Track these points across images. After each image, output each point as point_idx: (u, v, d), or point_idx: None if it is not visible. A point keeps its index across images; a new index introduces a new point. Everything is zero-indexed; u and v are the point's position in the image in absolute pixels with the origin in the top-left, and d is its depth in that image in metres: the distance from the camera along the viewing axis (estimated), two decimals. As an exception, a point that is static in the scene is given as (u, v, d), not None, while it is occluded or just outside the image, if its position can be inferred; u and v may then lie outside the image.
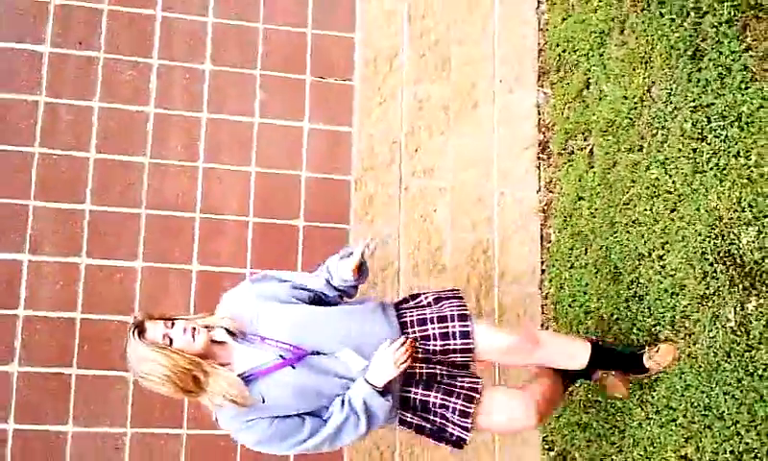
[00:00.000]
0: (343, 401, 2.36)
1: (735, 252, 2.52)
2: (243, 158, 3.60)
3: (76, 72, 3.50)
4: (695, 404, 2.66)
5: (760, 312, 2.40)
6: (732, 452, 2.49)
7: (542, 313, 3.71)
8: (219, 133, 3.60)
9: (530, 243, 3.78)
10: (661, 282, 2.88)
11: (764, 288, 2.39)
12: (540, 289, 3.74)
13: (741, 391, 2.46)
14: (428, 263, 3.68)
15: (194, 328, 2.30)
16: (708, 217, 2.67)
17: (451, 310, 2.54)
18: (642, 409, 2.93)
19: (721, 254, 2.59)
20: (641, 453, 2.92)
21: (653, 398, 2.87)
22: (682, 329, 2.76)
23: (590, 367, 2.74)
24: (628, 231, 3.11)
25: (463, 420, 2.46)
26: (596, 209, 3.36)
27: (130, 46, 3.58)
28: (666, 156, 2.94)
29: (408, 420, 2.54)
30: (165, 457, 3.31)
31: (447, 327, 2.50)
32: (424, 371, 2.51)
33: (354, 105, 3.76)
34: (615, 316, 3.14)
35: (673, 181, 2.89)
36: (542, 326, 3.67)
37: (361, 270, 2.47)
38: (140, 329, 2.28)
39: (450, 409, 2.47)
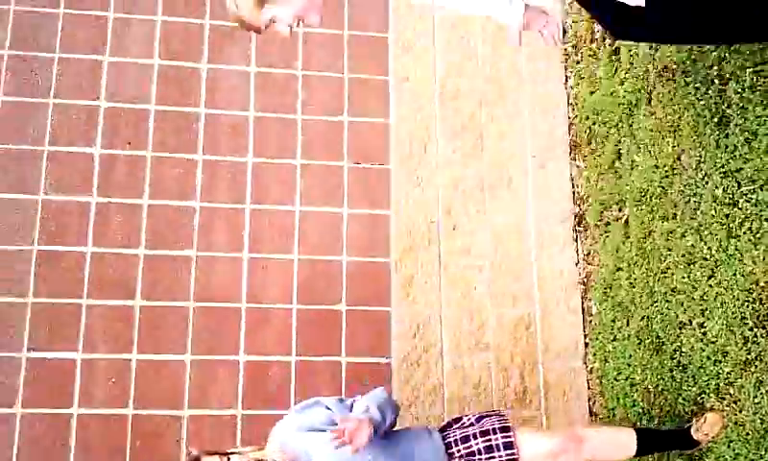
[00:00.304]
0: None
1: (775, 316, 2.52)
2: (286, 247, 3.70)
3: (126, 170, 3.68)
4: (745, 474, 2.62)
5: (804, 376, 2.38)
6: (784, 522, 2.44)
7: (588, 388, 3.68)
8: (262, 223, 3.73)
9: (572, 317, 3.78)
10: (704, 350, 2.86)
11: (806, 351, 2.37)
12: (585, 364, 3.72)
13: (791, 459, 2.42)
14: (470, 341, 3.70)
15: None
16: (745, 281, 2.67)
17: (492, 425, 2.65)
18: (694, 482, 2.89)
19: (760, 318, 2.58)
20: (693, 526, 2.87)
21: (704, 470, 2.83)
22: (727, 397, 2.73)
23: (641, 453, 2.78)
24: (667, 300, 3.11)
25: None
26: (635, 279, 3.36)
27: (176, 144, 3.76)
28: (700, 222, 2.96)
29: None
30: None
31: (491, 440, 2.61)
32: None
33: (391, 188, 3.86)
34: (661, 387, 3.11)
35: (708, 248, 2.90)
36: (589, 400, 3.65)
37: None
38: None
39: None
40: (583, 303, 3.80)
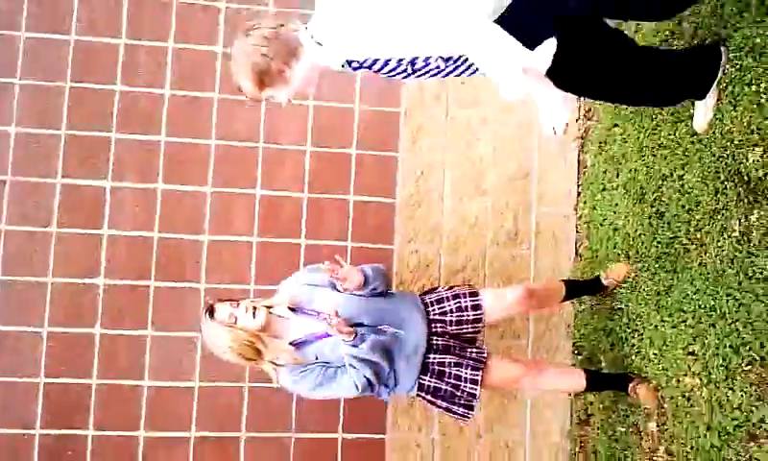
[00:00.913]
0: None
1: (743, 170, 2.75)
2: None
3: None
4: (702, 306, 2.94)
5: (761, 223, 2.64)
6: (730, 347, 2.77)
7: (576, 232, 4.00)
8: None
9: (568, 168, 4.05)
10: (680, 200, 3.13)
11: (765, 202, 2.63)
12: (576, 211, 4.02)
13: (741, 292, 2.72)
14: (470, 186, 3.98)
15: (255, 307, 2.91)
16: (723, 139, 2.89)
17: (462, 291, 3.22)
18: (658, 313, 3.22)
19: (731, 172, 2.82)
20: (656, 352, 3.22)
21: (667, 303, 3.16)
22: (694, 241, 3.02)
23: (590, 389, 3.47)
24: (653, 155, 3.35)
25: (472, 387, 3.09)
26: (628, 135, 3.59)
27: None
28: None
29: (426, 383, 3.10)
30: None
31: (460, 302, 3.17)
32: (440, 342, 3.13)
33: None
34: (639, 232, 3.41)
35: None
36: (576, 243, 3.99)
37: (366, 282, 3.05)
38: (211, 312, 2.90)
39: (462, 379, 3.09)
40: (579, 155, 4.06)
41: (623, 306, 3.51)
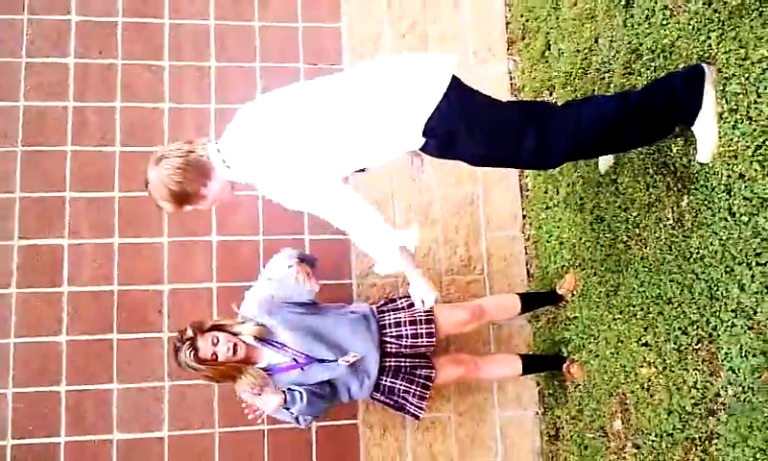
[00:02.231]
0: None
1: (669, 161, 2.94)
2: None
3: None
4: (649, 297, 3.07)
5: (691, 206, 2.81)
6: (680, 329, 2.90)
7: (525, 253, 4.15)
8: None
9: (510, 193, 4.22)
10: (616, 201, 3.30)
11: (692, 186, 2.80)
12: (523, 232, 4.18)
13: (682, 275, 2.87)
14: (420, 217, 4.11)
15: (235, 345, 3.07)
16: (649, 138, 3.09)
17: (420, 315, 3.41)
18: (609, 312, 3.36)
19: (659, 166, 3.01)
20: (612, 351, 3.34)
21: (617, 301, 3.30)
22: (634, 236, 3.18)
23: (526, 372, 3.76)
24: (587, 164, 3.54)
25: (419, 402, 3.42)
26: (564, 153, 3.78)
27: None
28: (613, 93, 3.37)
29: (378, 398, 3.43)
30: (198, 402, 3.78)
31: (416, 329, 3.40)
32: (392, 363, 3.38)
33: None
34: (583, 239, 3.57)
35: (619, 114, 3.31)
36: (527, 264, 4.13)
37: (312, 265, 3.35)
38: (193, 346, 3.02)
39: (411, 394, 3.40)
40: (520, 180, 4.24)
41: (577, 314, 3.64)
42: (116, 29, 4.06)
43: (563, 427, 3.84)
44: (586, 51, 3.61)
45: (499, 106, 2.70)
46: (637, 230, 3.16)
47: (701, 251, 2.76)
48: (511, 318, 3.83)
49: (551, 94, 3.95)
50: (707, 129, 2.64)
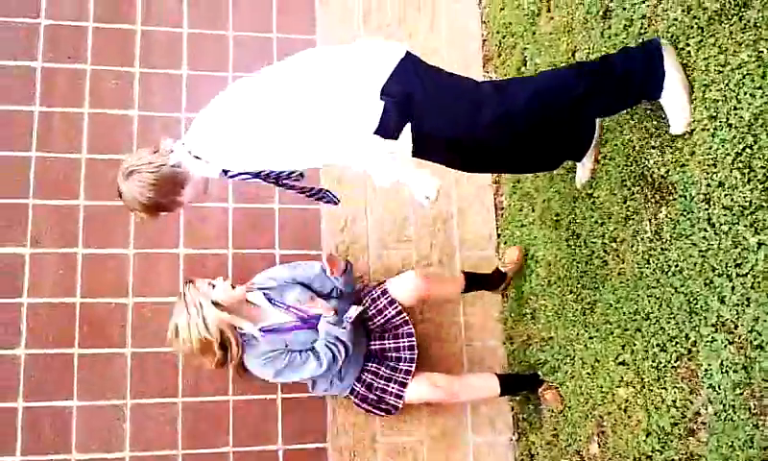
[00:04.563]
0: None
1: (646, 172, 2.88)
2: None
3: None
4: (626, 313, 3.00)
5: (669, 217, 2.75)
6: (658, 345, 2.82)
7: (501, 272, 4.07)
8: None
9: (485, 212, 4.15)
10: (592, 216, 3.24)
11: (670, 197, 2.74)
12: (497, 251, 4.10)
13: (660, 289, 2.80)
14: (393, 235, 4.03)
15: (232, 285, 3.20)
16: (625, 149, 3.03)
17: (376, 291, 3.57)
18: (586, 331, 3.28)
19: (636, 178, 2.95)
20: (589, 372, 3.26)
21: (593, 319, 3.22)
22: (610, 251, 3.11)
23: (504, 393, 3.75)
24: (563, 180, 3.48)
25: (396, 400, 3.50)
26: (540, 170, 3.72)
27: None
28: (590, 107, 3.32)
29: (356, 390, 3.52)
30: (160, 421, 3.63)
31: (377, 303, 3.56)
32: (377, 346, 3.56)
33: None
34: (559, 256, 3.50)
35: (596, 127, 3.26)
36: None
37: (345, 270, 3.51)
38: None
39: (388, 392, 3.49)
40: (495, 198, 4.18)
41: (553, 335, 3.56)
42: (87, 33, 3.96)
43: (537, 453, 3.74)
44: (563, 65, 3.56)
45: (458, 76, 2.68)
46: (614, 245, 3.09)
47: (680, 263, 2.69)
48: (454, 294, 3.84)
49: (528, 111, 3.89)
50: (674, 97, 2.64)
